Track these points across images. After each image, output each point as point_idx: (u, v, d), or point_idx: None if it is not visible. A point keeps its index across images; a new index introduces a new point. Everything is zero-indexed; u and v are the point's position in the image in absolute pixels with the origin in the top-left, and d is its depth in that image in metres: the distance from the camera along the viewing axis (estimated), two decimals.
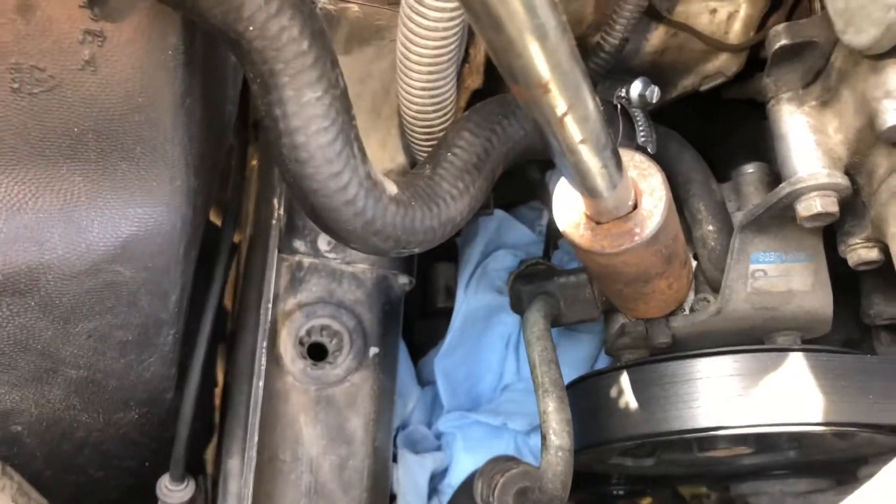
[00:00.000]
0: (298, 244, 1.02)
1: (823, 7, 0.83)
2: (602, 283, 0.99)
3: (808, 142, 0.87)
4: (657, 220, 0.79)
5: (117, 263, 0.73)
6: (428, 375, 1.37)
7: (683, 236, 0.92)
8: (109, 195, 0.71)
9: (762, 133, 1.04)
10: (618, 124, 1.01)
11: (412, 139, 0.95)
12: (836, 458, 1.10)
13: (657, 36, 1.07)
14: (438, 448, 1.29)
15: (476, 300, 1.33)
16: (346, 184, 0.70)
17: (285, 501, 0.94)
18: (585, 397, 1.05)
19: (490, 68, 0.99)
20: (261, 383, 0.94)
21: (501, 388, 1.35)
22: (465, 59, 0.99)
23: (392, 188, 0.76)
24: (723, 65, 1.10)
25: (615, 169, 0.72)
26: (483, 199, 0.86)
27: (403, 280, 1.08)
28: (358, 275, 1.03)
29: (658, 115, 1.07)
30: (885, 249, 0.87)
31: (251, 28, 0.62)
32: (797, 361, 0.93)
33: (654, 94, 1.01)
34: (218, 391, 1.10)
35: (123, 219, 0.71)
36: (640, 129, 1.00)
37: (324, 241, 1.03)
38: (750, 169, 1.03)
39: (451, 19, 0.80)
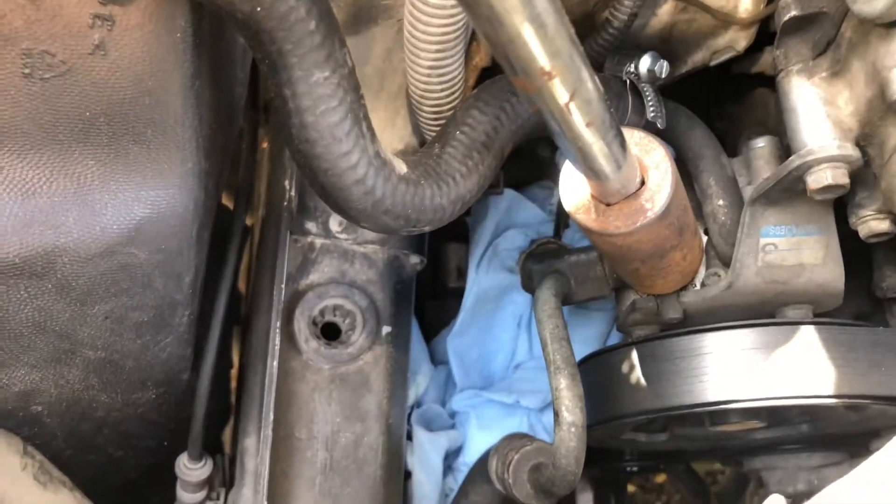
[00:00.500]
0: (310, 225, 1.03)
1: None
2: (617, 263, 0.99)
3: (818, 113, 0.87)
4: (667, 193, 0.79)
5: (131, 246, 0.74)
6: (440, 355, 1.38)
7: (691, 206, 0.91)
8: (122, 178, 0.71)
9: (771, 107, 1.04)
10: (627, 100, 1.00)
11: (421, 118, 0.95)
12: (848, 431, 1.11)
13: (666, 11, 1.06)
14: (452, 427, 1.30)
15: (487, 280, 1.33)
16: (356, 163, 0.71)
17: (301, 479, 0.96)
18: (597, 373, 1.05)
19: None
20: (275, 363, 0.95)
21: (514, 367, 1.35)
22: (473, 36, 0.99)
23: (401, 167, 0.77)
24: (732, 39, 1.09)
25: (620, 149, 0.72)
26: (492, 178, 0.86)
27: (415, 260, 1.08)
28: (370, 255, 1.04)
29: (667, 90, 1.06)
30: None
31: (259, 9, 0.63)
32: (808, 335, 0.93)
33: (664, 68, 1.00)
34: (234, 373, 1.11)
35: (136, 201, 0.72)
36: (650, 104, 0.99)
37: (335, 222, 1.03)
38: (760, 143, 1.03)
39: None
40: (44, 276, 0.71)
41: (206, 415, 0.93)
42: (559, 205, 1.39)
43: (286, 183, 1.01)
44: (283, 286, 0.98)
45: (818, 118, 0.86)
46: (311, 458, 0.97)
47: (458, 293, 1.36)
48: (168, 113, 0.71)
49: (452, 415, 1.31)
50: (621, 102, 1.00)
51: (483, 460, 1.21)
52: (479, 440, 1.26)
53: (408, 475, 1.18)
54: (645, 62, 1.00)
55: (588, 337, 1.31)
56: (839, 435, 1.13)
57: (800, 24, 0.87)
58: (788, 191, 0.90)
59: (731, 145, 1.07)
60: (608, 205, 0.81)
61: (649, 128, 0.94)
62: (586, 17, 1.03)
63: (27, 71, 0.63)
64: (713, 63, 1.12)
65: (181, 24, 0.67)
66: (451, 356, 1.32)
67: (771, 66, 0.95)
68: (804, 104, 0.88)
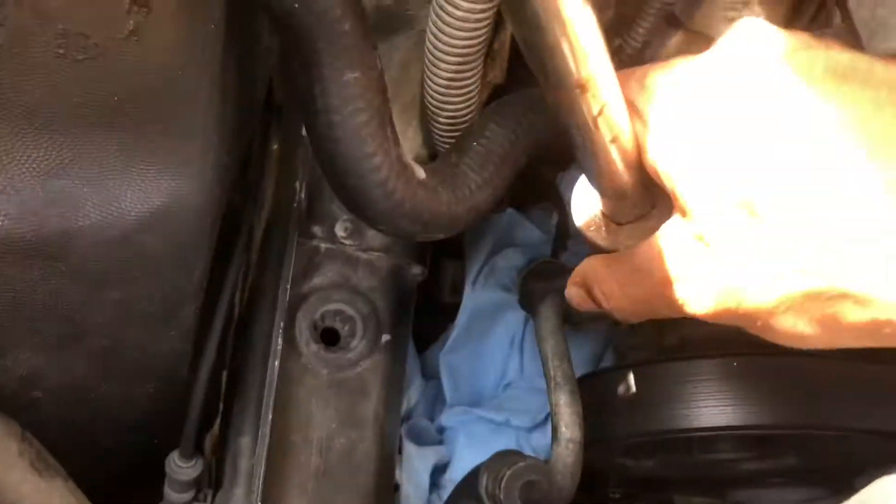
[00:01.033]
0: (316, 229, 1.03)
1: (844, 18, 0.85)
2: None
3: None
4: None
5: (147, 234, 0.73)
6: (430, 370, 1.37)
7: None
8: (143, 166, 0.71)
9: None
10: None
11: (435, 130, 0.96)
12: (835, 464, 1.12)
13: (675, 43, 1.08)
14: (440, 442, 1.30)
15: (483, 297, 1.34)
16: (379, 165, 0.71)
17: (293, 482, 0.95)
18: (592, 394, 1.06)
19: (512, 64, 1.00)
20: (276, 363, 0.94)
21: (504, 386, 1.35)
22: (488, 52, 1.00)
23: (421, 173, 0.78)
24: None
25: (638, 165, 0.73)
26: (505, 191, 0.87)
27: (417, 270, 1.09)
28: (373, 262, 1.04)
29: None
30: None
31: (297, 5, 0.63)
32: (801, 365, 0.95)
33: None
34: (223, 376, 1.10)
35: (156, 190, 0.72)
36: None
37: (340, 228, 1.04)
38: None
39: (483, 10, 0.82)
40: (59, 259, 0.70)
41: (200, 414, 0.92)
42: (557, 226, 1.40)
43: (296, 184, 1.01)
44: (288, 286, 0.98)
45: None
46: (305, 463, 0.96)
47: (451, 308, 1.36)
48: (194, 104, 0.71)
49: (441, 430, 1.31)
50: None
51: (469, 477, 1.20)
52: (466, 457, 1.25)
53: (396, 487, 1.17)
54: None
55: (583, 358, 1.31)
56: (826, 468, 1.14)
57: None
58: None
59: None
60: (619, 224, 0.82)
61: None
62: None
63: (62, 51, 0.62)
64: None
65: (216, 16, 0.68)
66: (443, 371, 1.32)
67: None
68: None
